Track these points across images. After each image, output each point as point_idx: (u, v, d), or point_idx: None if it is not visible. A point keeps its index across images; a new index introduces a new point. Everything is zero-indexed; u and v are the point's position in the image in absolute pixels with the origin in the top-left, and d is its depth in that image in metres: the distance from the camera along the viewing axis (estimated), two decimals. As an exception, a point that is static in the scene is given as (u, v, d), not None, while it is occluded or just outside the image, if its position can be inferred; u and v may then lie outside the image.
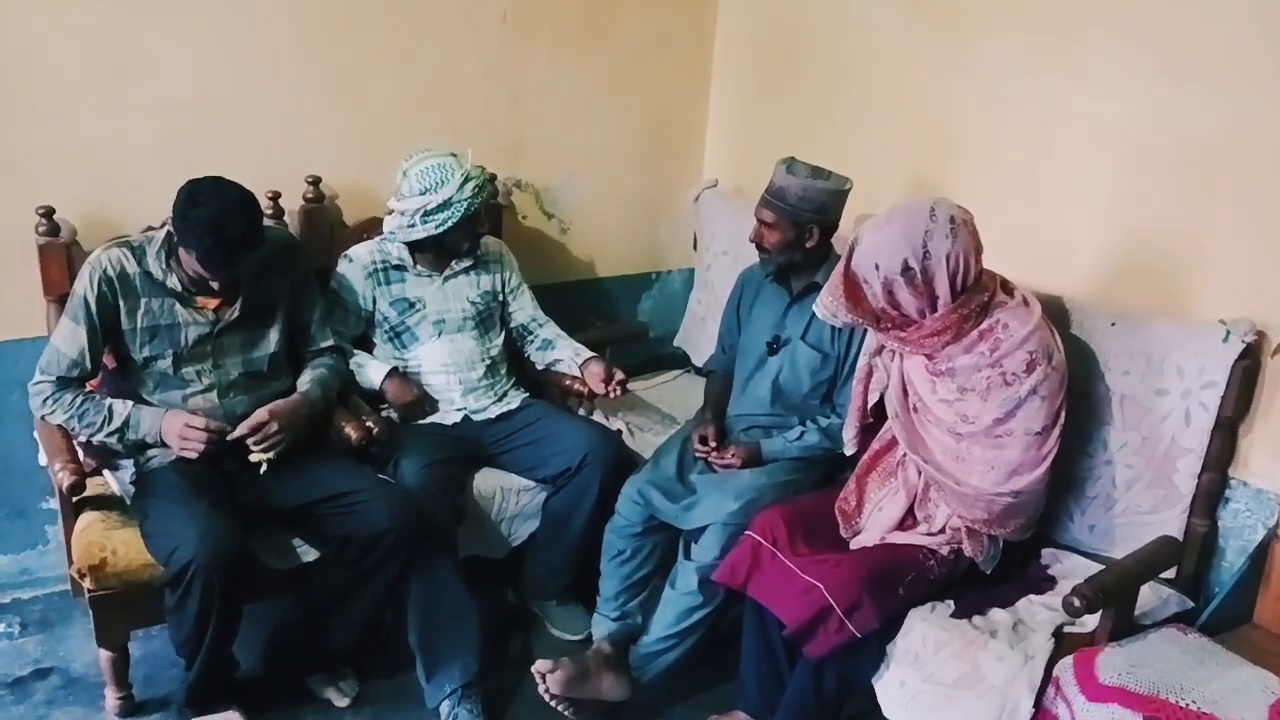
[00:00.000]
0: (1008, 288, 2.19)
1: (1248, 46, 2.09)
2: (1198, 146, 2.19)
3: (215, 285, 2.27)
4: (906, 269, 2.07)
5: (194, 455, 2.28)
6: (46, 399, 2.28)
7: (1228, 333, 2.09)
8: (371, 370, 2.67)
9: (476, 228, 2.71)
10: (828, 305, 2.20)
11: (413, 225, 2.62)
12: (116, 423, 2.28)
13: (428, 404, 2.74)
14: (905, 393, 2.25)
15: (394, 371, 2.69)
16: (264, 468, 2.35)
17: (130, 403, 2.31)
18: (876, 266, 2.10)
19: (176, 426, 2.27)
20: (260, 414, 2.34)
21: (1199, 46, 2.17)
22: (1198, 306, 2.21)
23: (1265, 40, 2.06)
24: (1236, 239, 2.15)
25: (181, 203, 2.16)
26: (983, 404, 2.13)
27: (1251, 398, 2.14)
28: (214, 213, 2.13)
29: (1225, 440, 2.16)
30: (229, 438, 2.32)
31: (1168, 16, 2.21)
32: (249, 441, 2.33)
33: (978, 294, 2.11)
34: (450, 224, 2.61)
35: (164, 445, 2.31)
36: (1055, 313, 2.32)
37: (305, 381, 2.48)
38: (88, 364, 2.28)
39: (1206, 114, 2.17)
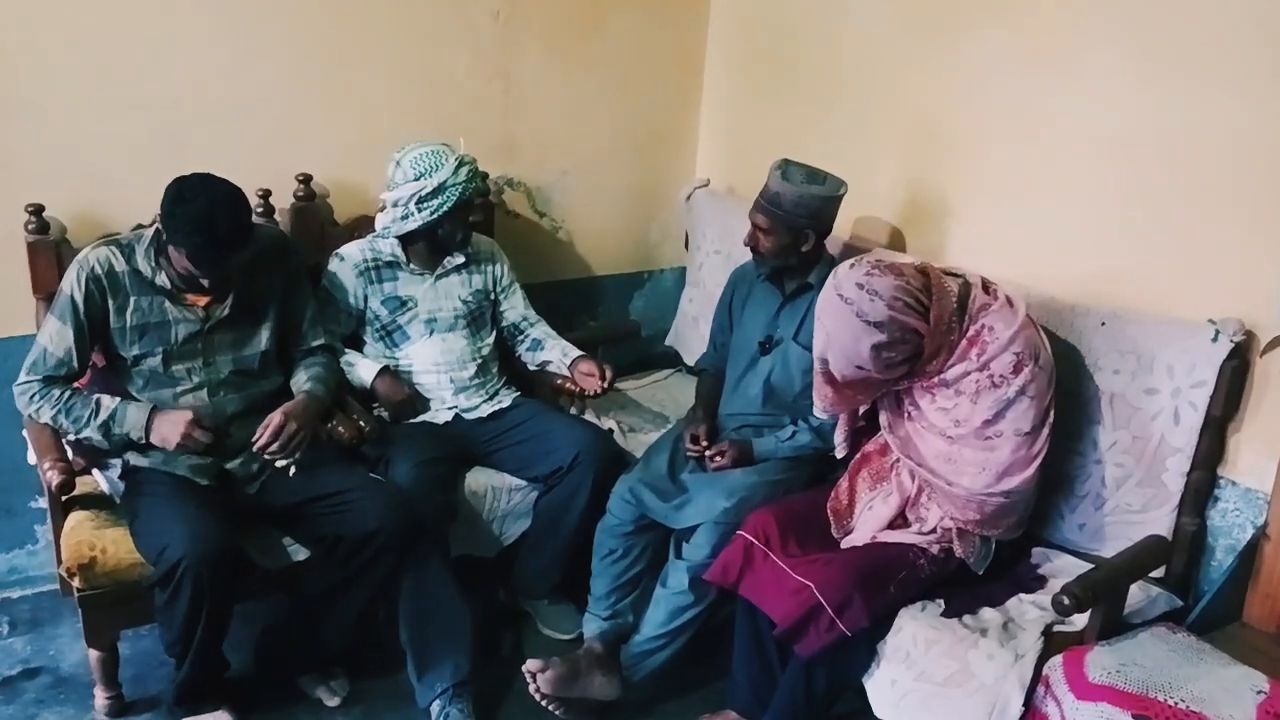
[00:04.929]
0: (989, 288, 2.19)
1: (1237, 46, 2.09)
2: (1188, 146, 2.19)
3: (205, 283, 2.26)
4: (879, 348, 2.08)
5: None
6: (33, 396, 2.27)
7: (1217, 332, 2.10)
8: (362, 369, 2.67)
9: (469, 216, 2.70)
10: (833, 412, 2.27)
11: (407, 215, 2.61)
12: (103, 416, 2.26)
13: (418, 402, 2.73)
14: (900, 402, 2.26)
15: (385, 370, 2.69)
16: (292, 470, 2.34)
17: (118, 398, 2.30)
18: (860, 367, 2.11)
19: (175, 427, 2.25)
20: (276, 418, 2.32)
21: (1188, 47, 2.17)
22: (1187, 306, 2.21)
23: (1254, 40, 2.07)
24: (1226, 238, 2.16)
25: (169, 200, 2.15)
26: (972, 406, 2.13)
27: (1240, 397, 2.15)
28: (202, 210, 2.12)
29: (1214, 439, 2.17)
30: (254, 447, 2.31)
31: (1158, 17, 2.21)
32: (269, 451, 2.31)
33: (944, 300, 2.11)
34: (446, 209, 2.60)
35: (147, 444, 2.28)
36: (1045, 312, 2.33)
37: (304, 380, 2.47)
38: (75, 363, 2.27)
39: (1197, 114, 2.17)
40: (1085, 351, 2.30)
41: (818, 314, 2.16)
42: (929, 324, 2.09)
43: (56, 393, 2.27)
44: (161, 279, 2.29)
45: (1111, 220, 2.36)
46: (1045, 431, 2.15)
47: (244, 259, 2.29)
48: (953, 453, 2.17)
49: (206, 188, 2.15)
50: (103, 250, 2.28)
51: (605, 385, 2.74)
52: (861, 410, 2.37)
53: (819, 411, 2.27)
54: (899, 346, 2.09)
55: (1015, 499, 2.17)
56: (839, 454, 2.45)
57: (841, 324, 2.09)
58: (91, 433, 2.28)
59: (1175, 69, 2.20)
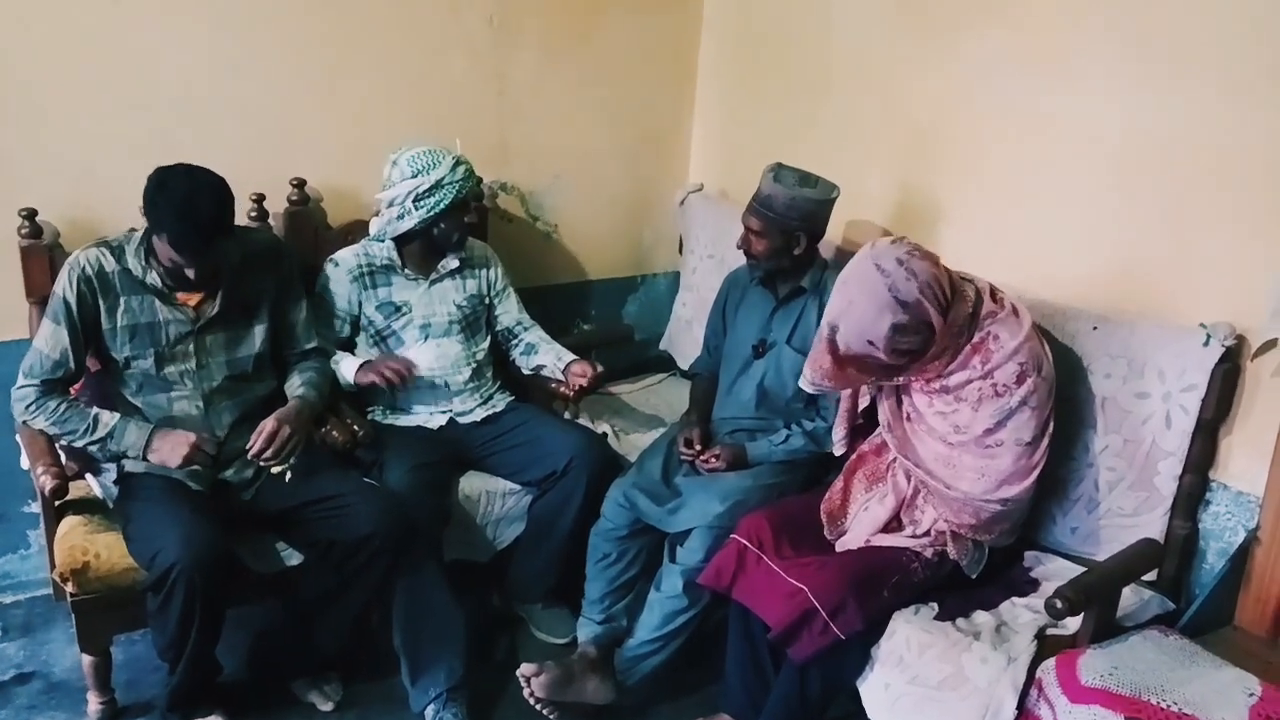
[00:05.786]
0: (996, 296, 2.19)
1: (1232, 50, 2.10)
2: (1181, 150, 2.20)
3: (191, 273, 2.23)
4: (897, 327, 2.07)
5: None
6: (30, 404, 2.26)
7: (1208, 336, 2.10)
8: (345, 367, 2.63)
9: (465, 216, 2.70)
10: (821, 387, 2.18)
11: (403, 215, 2.61)
12: (100, 432, 2.25)
13: (399, 390, 2.68)
14: (899, 402, 2.26)
15: (366, 364, 2.64)
16: (287, 476, 2.33)
17: (117, 414, 2.28)
18: (871, 342, 2.10)
19: (177, 449, 2.23)
20: (270, 424, 2.31)
21: (1184, 50, 2.18)
22: (1179, 310, 2.22)
23: (1249, 43, 2.07)
24: (1218, 242, 2.16)
25: (152, 188, 2.15)
26: (974, 414, 2.13)
27: (1232, 401, 2.16)
28: (184, 195, 2.12)
29: (1205, 443, 2.17)
30: (249, 454, 2.31)
31: (1153, 20, 2.22)
32: (264, 457, 2.30)
33: (961, 303, 2.12)
34: (443, 206, 2.60)
35: (145, 460, 2.27)
36: (1038, 315, 2.32)
37: (297, 385, 2.47)
38: (71, 364, 2.26)
39: (1192, 118, 2.18)
40: (1077, 355, 2.31)
41: (841, 281, 2.13)
42: (945, 322, 2.10)
43: (52, 404, 2.25)
44: (152, 278, 2.28)
45: (1104, 224, 2.37)
46: (1045, 442, 2.16)
47: (231, 253, 2.29)
48: (952, 457, 2.17)
49: (189, 175, 2.16)
50: (93, 251, 2.27)
51: (594, 374, 2.72)
52: (861, 408, 2.38)
53: (806, 384, 2.20)
54: (912, 335, 2.09)
55: (1012, 507, 2.17)
56: (837, 452, 2.44)
57: (869, 294, 2.07)
58: (86, 445, 2.28)
59: (1171, 72, 2.21)
